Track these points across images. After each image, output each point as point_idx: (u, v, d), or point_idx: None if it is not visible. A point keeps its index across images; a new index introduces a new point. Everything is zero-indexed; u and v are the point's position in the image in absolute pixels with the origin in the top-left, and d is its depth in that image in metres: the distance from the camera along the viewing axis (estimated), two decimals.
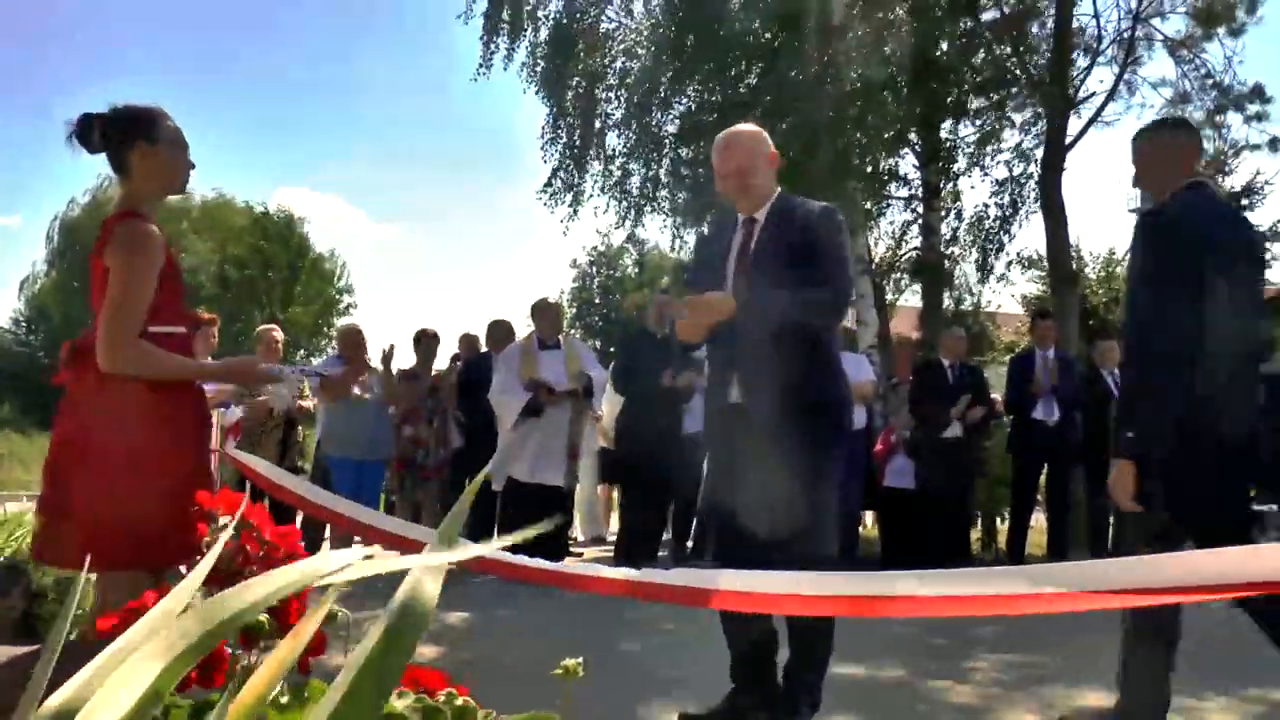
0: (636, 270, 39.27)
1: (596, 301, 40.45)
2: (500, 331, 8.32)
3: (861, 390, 7.81)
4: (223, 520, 1.13)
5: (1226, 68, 12.42)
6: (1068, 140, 11.59)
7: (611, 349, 20.02)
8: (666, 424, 7.14)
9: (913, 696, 3.99)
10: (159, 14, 53.84)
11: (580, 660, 0.97)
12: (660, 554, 7.96)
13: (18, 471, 18.89)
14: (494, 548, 0.61)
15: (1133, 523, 2.87)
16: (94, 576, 2.74)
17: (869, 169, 11.82)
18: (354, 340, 7.89)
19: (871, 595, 2.03)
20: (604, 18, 14.40)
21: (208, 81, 53.74)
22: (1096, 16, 12.30)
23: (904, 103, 12.06)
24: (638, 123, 14.02)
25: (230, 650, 1.00)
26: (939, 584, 2.02)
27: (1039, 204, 11.98)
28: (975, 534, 8.85)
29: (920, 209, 13.21)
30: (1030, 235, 29.36)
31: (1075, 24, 11.99)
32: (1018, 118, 13.30)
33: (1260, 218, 20.06)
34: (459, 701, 0.93)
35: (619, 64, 14.45)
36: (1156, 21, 12.45)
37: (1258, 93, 12.35)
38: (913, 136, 12.85)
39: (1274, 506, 8.23)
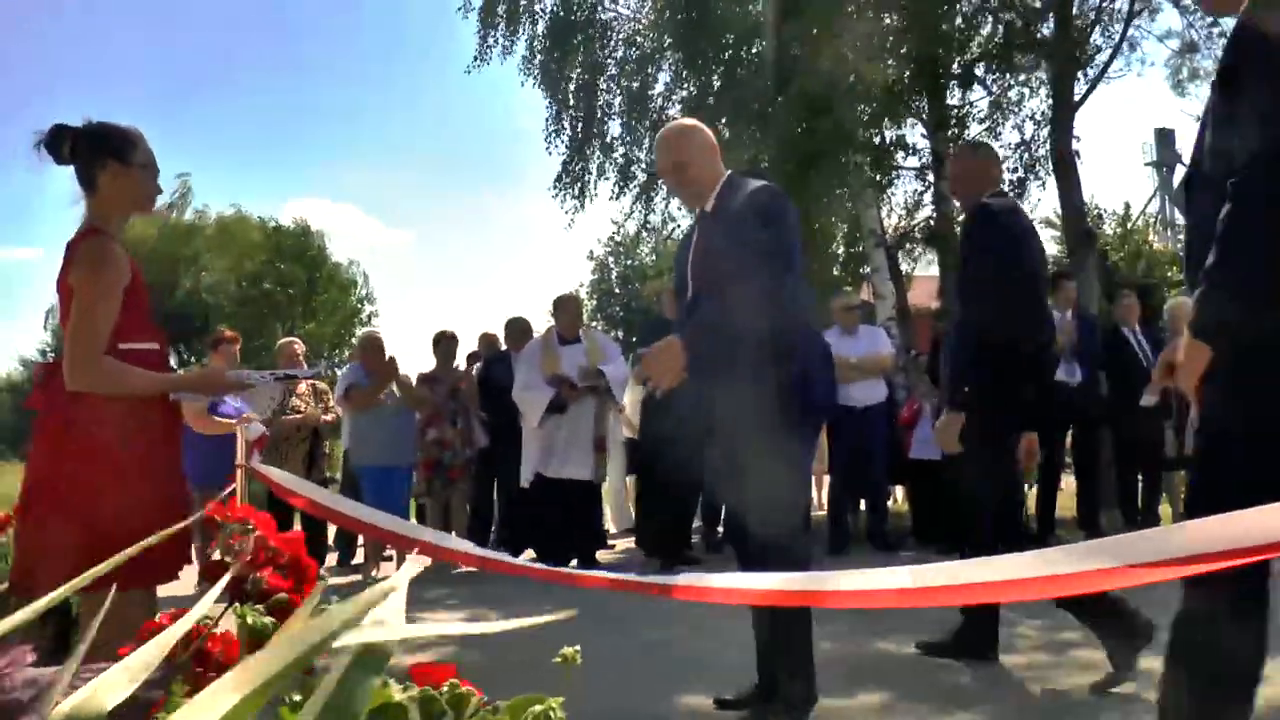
0: (654, 258, 39.24)
1: (616, 292, 40.41)
2: (518, 329, 8.35)
3: (880, 363, 7.81)
4: (229, 527, 1.16)
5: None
6: (1075, 99, 11.51)
7: (634, 339, 20.06)
8: (689, 411, 7.14)
9: (936, 668, 4.00)
10: (170, 36, 54.13)
11: (578, 648, 0.99)
12: (694, 540, 7.99)
13: None
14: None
15: None
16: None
17: (875, 140, 11.77)
18: (375, 347, 7.95)
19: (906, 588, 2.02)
20: (601, 7, 14.39)
21: (216, 94, 54.02)
22: None
23: (908, 72, 12.01)
24: (639, 112, 14.02)
25: None
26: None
27: (1051, 167, 11.91)
28: None
29: (931, 178, 13.17)
30: (1046, 197, 29.21)
31: None
32: (1027, 82, 13.23)
33: None
34: (460, 691, 0.96)
35: (619, 53, 14.44)
36: None
37: None
38: (922, 105, 12.80)
39: None
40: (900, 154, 12.97)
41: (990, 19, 12.79)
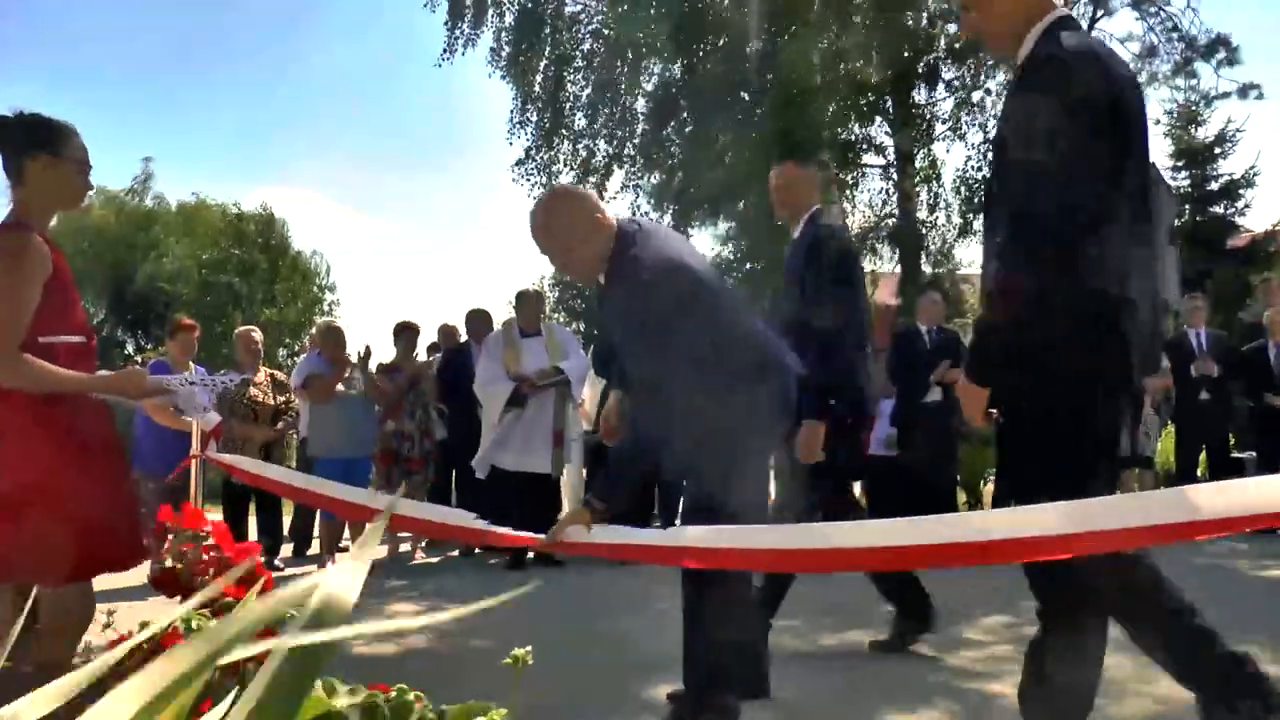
0: None
1: (578, 285, 40.35)
2: (479, 322, 8.32)
3: None
4: (181, 535, 1.15)
5: (1191, 18, 12.46)
6: None
7: (595, 331, 20.03)
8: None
9: (901, 663, 4.04)
10: (127, 17, 53.31)
11: (529, 649, 0.99)
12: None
13: None
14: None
15: None
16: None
17: (841, 138, 11.82)
18: (335, 339, 7.89)
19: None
20: (569, 1, 14.38)
21: (177, 80, 53.36)
22: None
23: (874, 70, 12.08)
24: (606, 102, 14.02)
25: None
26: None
27: None
28: (961, 498, 8.91)
29: (895, 177, 13.25)
30: None
31: None
32: (991, 82, 13.34)
33: (1233, 165, 20.18)
34: (404, 699, 0.95)
35: (586, 45, 14.43)
36: None
37: (1223, 42, 12.39)
38: (887, 104, 12.88)
39: (1253, 454, 8.33)
40: (865, 153, 13.05)
41: (955, 19, 12.87)
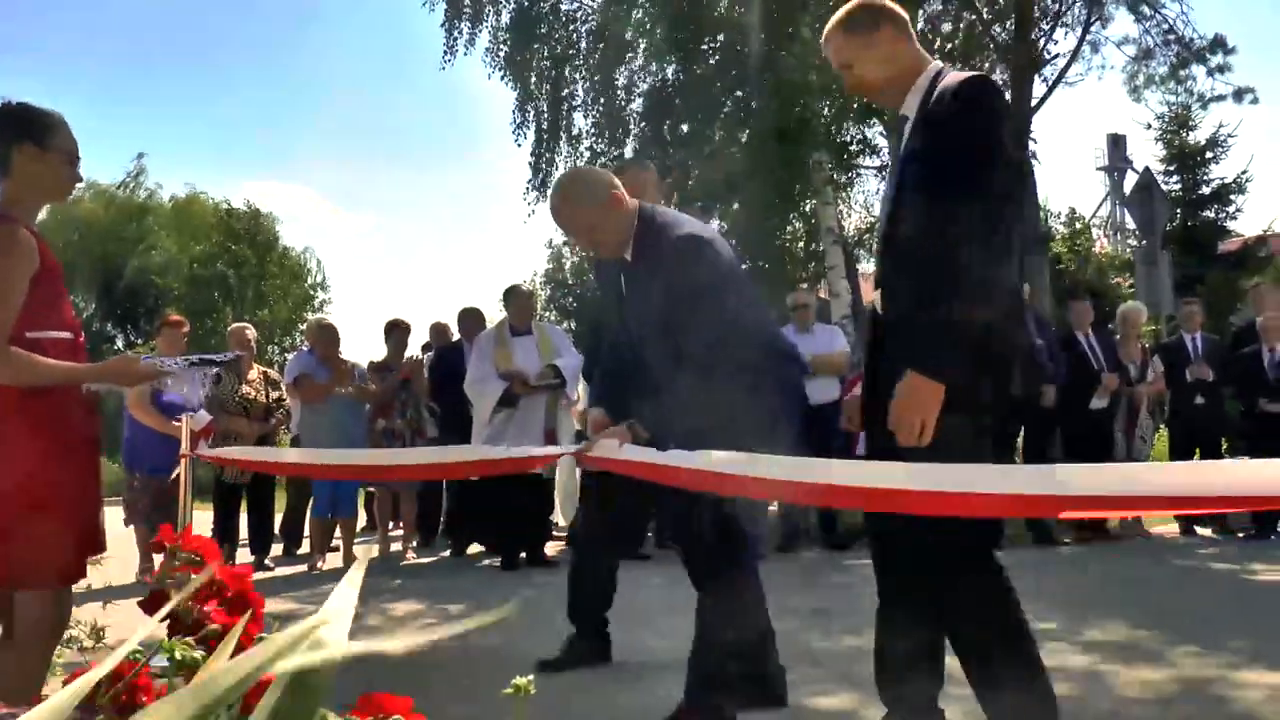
0: None
1: (570, 283, 40.26)
2: (471, 320, 8.29)
3: (833, 362, 7.81)
4: (181, 555, 1.10)
5: (1186, 22, 12.44)
6: (1033, 103, 11.61)
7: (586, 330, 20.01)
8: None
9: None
10: (130, 12, 53.07)
11: (531, 679, 0.95)
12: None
13: None
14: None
15: None
16: None
17: (836, 139, 11.79)
18: (327, 336, 7.85)
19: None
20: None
21: (172, 74, 53.13)
22: None
23: None
24: (604, 102, 13.98)
25: None
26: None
27: None
28: None
29: (889, 175, 13.24)
30: None
31: None
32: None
33: (1225, 169, 20.22)
34: None
35: (584, 44, 14.39)
36: None
37: (1219, 44, 12.38)
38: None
39: (1246, 459, 8.31)
40: (861, 154, 13.02)
41: (950, 19, 12.88)
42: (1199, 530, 8.18)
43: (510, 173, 41.09)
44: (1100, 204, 31.06)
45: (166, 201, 32.54)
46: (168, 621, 1.02)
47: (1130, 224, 20.21)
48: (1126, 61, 12.89)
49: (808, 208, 12.77)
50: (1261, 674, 3.64)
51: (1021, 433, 8.09)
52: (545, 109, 14.26)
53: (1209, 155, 20.33)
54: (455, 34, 13.96)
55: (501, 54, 14.01)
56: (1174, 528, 8.33)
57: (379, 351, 8.42)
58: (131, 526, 7.03)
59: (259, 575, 6.87)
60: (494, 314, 11.24)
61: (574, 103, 14.41)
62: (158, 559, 1.21)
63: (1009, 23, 12.35)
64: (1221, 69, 12.51)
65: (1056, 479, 2.34)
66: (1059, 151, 62.01)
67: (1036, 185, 11.53)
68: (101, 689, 0.88)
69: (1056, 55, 12.35)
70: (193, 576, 1.08)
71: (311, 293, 32.98)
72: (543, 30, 14.02)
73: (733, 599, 3.09)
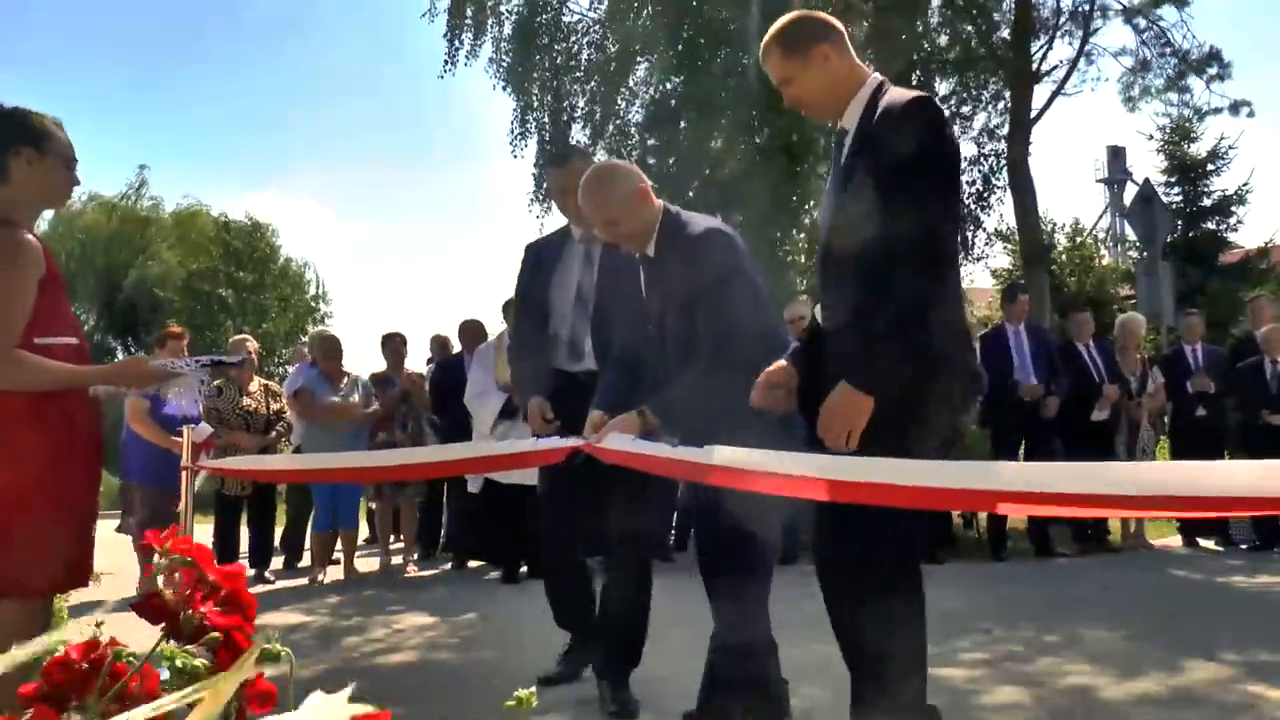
0: None
1: None
2: (471, 332, 8.28)
3: None
4: (164, 560, 1.09)
5: (1184, 33, 12.47)
6: (1032, 114, 11.63)
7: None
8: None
9: None
10: (120, 20, 53.23)
11: (533, 690, 0.95)
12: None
13: None
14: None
15: None
16: None
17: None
18: (330, 348, 7.83)
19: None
20: (566, 10, 14.40)
21: (172, 85, 53.21)
22: None
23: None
24: (604, 113, 14.02)
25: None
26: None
27: (1007, 181, 12.04)
28: (955, 512, 8.86)
29: None
30: (1002, 209, 29.36)
31: None
32: (983, 95, 13.36)
33: (1226, 182, 20.24)
34: None
35: (584, 56, 14.45)
36: None
37: (1215, 57, 12.40)
38: None
39: None
40: None
41: (948, 31, 12.91)
42: (1201, 542, 8.16)
43: (510, 183, 41.13)
44: (1100, 215, 31.09)
45: (168, 214, 32.56)
46: (165, 627, 1.01)
47: (1131, 235, 20.19)
48: (1123, 72, 12.92)
49: (808, 220, 12.78)
50: (1265, 687, 3.62)
51: (1022, 444, 8.07)
52: (546, 120, 14.31)
53: (1210, 167, 20.35)
54: (457, 44, 14.03)
55: (504, 65, 14.06)
56: (1176, 540, 8.31)
57: (378, 363, 8.42)
58: (130, 538, 7.02)
59: (260, 588, 6.86)
60: (495, 326, 11.23)
61: (574, 114, 14.46)
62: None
63: (1005, 33, 12.38)
64: (1221, 77, 12.53)
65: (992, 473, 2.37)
66: (1058, 163, 62.02)
67: (1036, 198, 11.54)
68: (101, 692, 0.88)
69: (1055, 66, 12.38)
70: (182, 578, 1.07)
71: (313, 305, 32.99)
72: (544, 42, 14.07)
73: (746, 606, 3.11)
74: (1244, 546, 7.91)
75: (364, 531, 9.15)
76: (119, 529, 7.05)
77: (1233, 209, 20.29)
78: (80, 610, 4.43)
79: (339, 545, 7.76)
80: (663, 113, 13.41)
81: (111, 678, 0.90)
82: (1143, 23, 12.59)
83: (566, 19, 14.41)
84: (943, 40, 13.13)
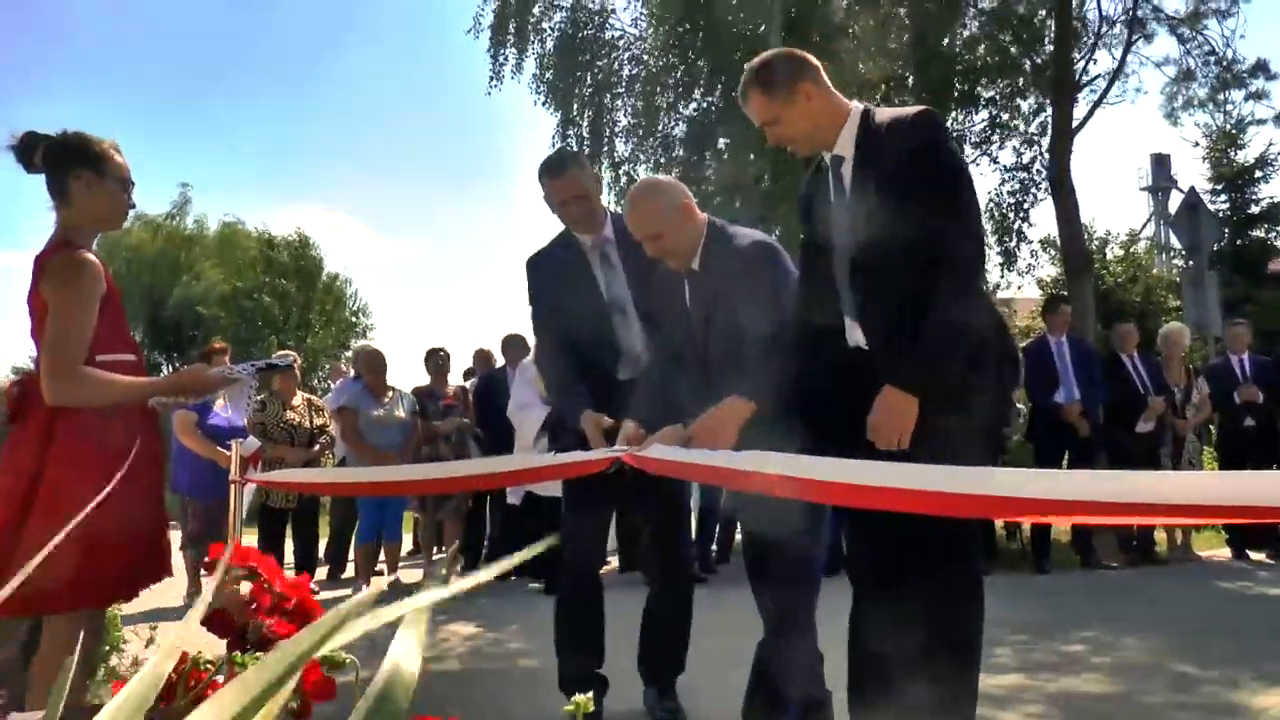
0: None
1: None
2: (515, 346, 8.33)
3: None
4: (233, 572, 1.14)
5: (1227, 44, 12.34)
6: (1074, 124, 11.55)
7: None
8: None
9: None
10: (161, 35, 54.14)
11: (589, 696, 0.98)
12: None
13: None
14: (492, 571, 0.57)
15: None
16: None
17: None
18: (374, 363, 7.90)
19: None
20: (608, 26, 14.52)
21: (213, 102, 54.04)
22: None
23: (910, 94, 12.07)
24: (645, 128, 14.10)
25: None
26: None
27: (1049, 190, 11.96)
28: (999, 523, 8.80)
29: None
30: (1047, 217, 29.16)
31: (1075, 6, 11.96)
32: (1024, 104, 13.29)
33: (1274, 189, 19.99)
34: None
35: (625, 71, 14.55)
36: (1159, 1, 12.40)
37: (1261, 68, 12.26)
38: None
39: None
40: None
41: (989, 41, 12.86)
42: (1251, 554, 8.04)
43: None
44: (1145, 224, 30.76)
45: (212, 232, 33.04)
46: (229, 638, 1.05)
47: (1176, 244, 19.98)
48: (1165, 83, 12.81)
49: None
50: None
51: (1065, 457, 8.00)
52: (587, 135, 14.42)
53: (1258, 174, 20.12)
54: (501, 60, 14.18)
55: (546, 80, 14.20)
56: (1225, 552, 8.21)
57: (421, 378, 8.50)
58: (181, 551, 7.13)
59: None
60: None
61: (615, 128, 14.55)
62: (207, 583, 1.25)
63: (1040, 45, 12.31)
64: (1260, 95, 12.38)
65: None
66: (1102, 171, 61.41)
67: (1078, 207, 11.45)
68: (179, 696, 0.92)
69: (1097, 76, 12.30)
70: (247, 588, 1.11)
71: (354, 319, 33.32)
72: (585, 57, 14.19)
73: (793, 615, 3.12)
74: None
75: (408, 543, 9.23)
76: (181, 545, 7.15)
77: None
78: (130, 620, 4.53)
79: (382, 556, 7.84)
80: (703, 127, 13.46)
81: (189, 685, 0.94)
82: (1187, 33, 12.48)
83: (608, 34, 14.54)
84: (981, 49, 13.09)
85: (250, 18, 54.44)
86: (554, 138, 14.50)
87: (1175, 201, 20.68)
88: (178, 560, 7.00)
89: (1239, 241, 19.76)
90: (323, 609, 1.10)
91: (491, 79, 14.26)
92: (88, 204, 2.78)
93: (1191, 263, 12.22)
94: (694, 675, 3.73)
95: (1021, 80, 12.72)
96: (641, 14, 14.36)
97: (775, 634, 3.15)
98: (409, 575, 8.08)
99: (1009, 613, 5.39)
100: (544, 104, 14.34)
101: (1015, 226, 13.68)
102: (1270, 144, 19.74)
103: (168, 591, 6.12)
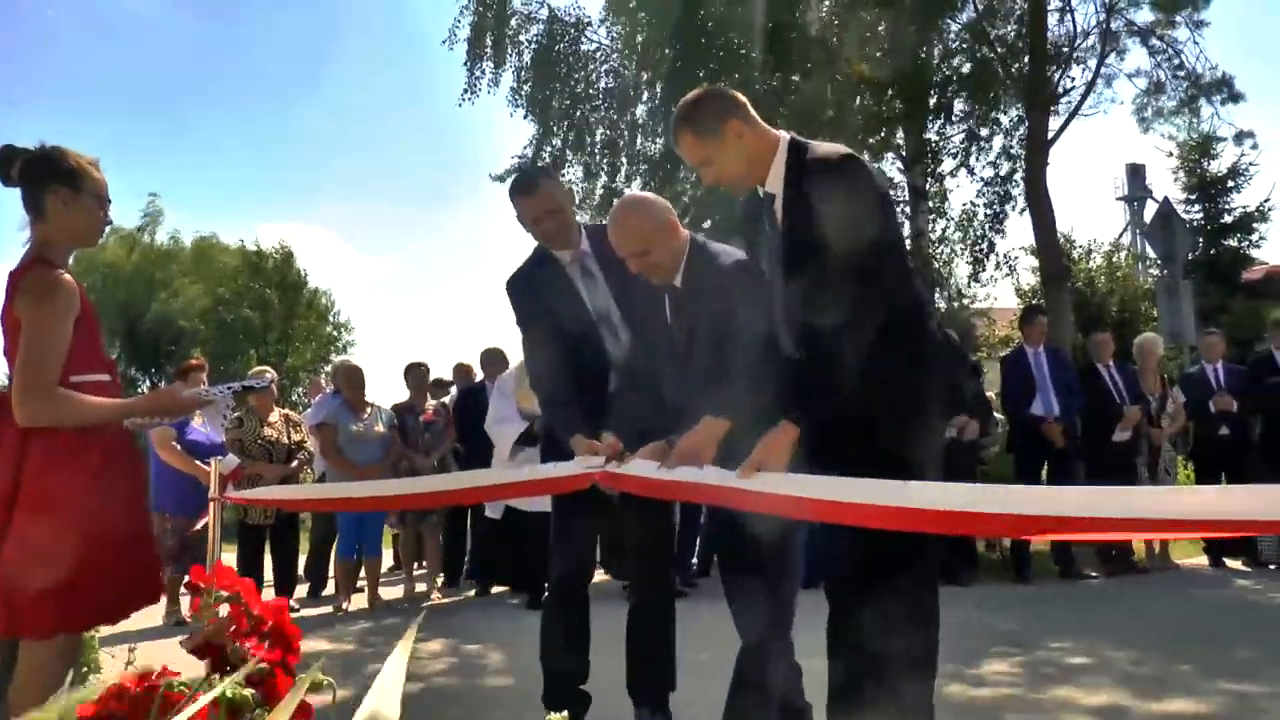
0: None
1: None
2: (494, 360, 8.32)
3: None
4: (214, 595, 1.13)
5: (1198, 55, 12.46)
6: (1049, 136, 11.64)
7: None
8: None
9: None
10: (136, 52, 53.90)
11: (565, 714, 0.98)
12: None
13: None
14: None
15: None
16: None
17: None
18: (353, 379, 7.87)
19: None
20: (584, 39, 14.56)
21: (185, 116, 53.76)
22: (1070, 10, 12.37)
23: (887, 106, 12.15)
24: (623, 140, 14.14)
25: None
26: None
27: (1025, 202, 12.05)
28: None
29: (908, 211, 13.29)
30: (1024, 227, 29.37)
31: (1050, 19, 12.07)
32: (1002, 117, 13.39)
33: (1247, 198, 20.16)
34: None
35: (603, 84, 14.59)
36: (1129, 13, 12.52)
37: (1226, 84, 12.38)
38: (899, 140, 12.95)
39: None
40: None
41: (966, 54, 12.95)
42: (1228, 562, 8.10)
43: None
44: (1120, 234, 31.01)
45: (188, 246, 32.89)
46: (209, 660, 1.05)
47: (1151, 253, 20.16)
48: (1137, 94, 12.92)
49: None
50: None
51: (1045, 469, 8.04)
52: (563, 147, 14.46)
53: (1231, 184, 20.28)
54: (478, 73, 14.19)
55: (524, 93, 14.22)
56: (1203, 560, 8.26)
57: (401, 393, 8.47)
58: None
59: None
60: (516, 354, 11.30)
61: (593, 141, 14.59)
62: (185, 601, 1.24)
63: (1016, 60, 12.41)
64: (1234, 99, 12.49)
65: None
66: (1078, 181, 61.93)
67: (1055, 218, 11.53)
68: None
69: (1072, 88, 12.40)
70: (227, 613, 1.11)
71: (335, 334, 33.20)
72: (563, 70, 14.23)
73: (770, 629, 3.11)
74: (1272, 566, 7.84)
75: (388, 559, 9.18)
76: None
77: (1255, 225, 20.20)
78: (109, 641, 4.48)
79: (363, 573, 7.80)
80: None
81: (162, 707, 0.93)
82: (1157, 44, 12.58)
83: (585, 47, 14.58)
84: (956, 61, 13.19)
85: (229, 35, 54.26)
86: (526, 148, 14.56)
87: (1150, 211, 20.87)
88: None
89: (1213, 251, 19.91)
90: (300, 630, 1.10)
91: (465, 91, 14.27)
92: (64, 220, 2.74)
93: (1166, 272, 12.32)
94: (682, 689, 3.72)
95: (997, 92, 12.80)
96: (616, 30, 14.43)
97: (751, 646, 3.13)
98: (389, 591, 8.04)
99: (990, 623, 5.42)
100: (523, 116, 14.38)
101: (989, 239, 13.78)
102: (1243, 154, 19.92)
103: (147, 610, 6.10)
